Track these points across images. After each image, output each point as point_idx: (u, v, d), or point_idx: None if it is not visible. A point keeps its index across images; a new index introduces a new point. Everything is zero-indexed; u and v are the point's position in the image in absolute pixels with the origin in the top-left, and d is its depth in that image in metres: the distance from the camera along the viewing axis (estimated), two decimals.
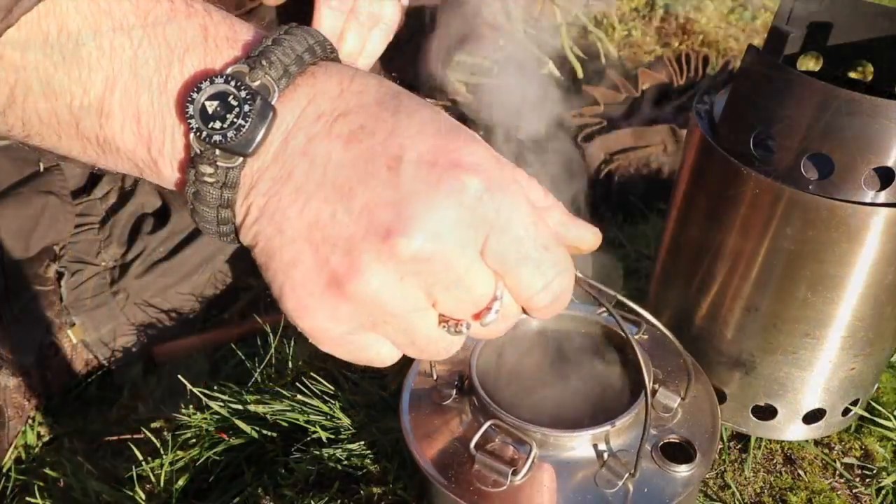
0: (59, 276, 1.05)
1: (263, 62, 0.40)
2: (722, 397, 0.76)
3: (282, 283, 0.41)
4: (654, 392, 0.64)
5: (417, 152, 0.40)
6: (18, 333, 1.01)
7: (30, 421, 0.93)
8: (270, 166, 0.41)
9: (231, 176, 0.41)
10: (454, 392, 0.65)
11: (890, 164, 0.59)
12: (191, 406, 0.85)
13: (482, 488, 0.58)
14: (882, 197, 0.61)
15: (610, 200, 1.32)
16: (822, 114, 0.60)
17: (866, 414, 0.79)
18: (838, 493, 0.75)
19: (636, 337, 0.69)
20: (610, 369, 0.70)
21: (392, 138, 0.40)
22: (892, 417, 0.80)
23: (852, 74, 0.75)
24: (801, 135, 0.61)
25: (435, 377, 0.67)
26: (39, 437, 0.92)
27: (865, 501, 0.75)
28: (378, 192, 0.39)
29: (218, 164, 0.41)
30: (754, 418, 0.76)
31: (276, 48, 0.41)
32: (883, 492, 0.75)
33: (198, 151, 0.41)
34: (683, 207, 0.74)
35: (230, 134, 0.40)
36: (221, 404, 0.84)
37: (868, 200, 0.61)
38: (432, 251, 0.40)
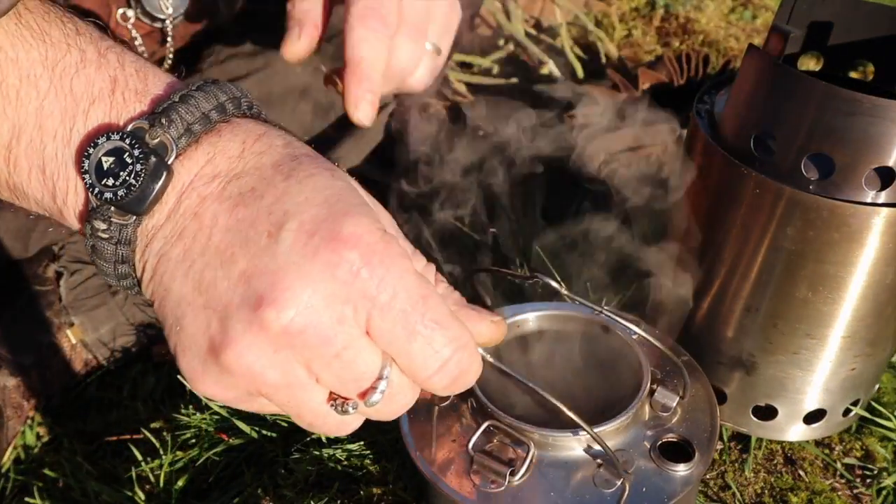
0: (59, 276, 1.05)
1: (164, 120, 0.40)
2: (722, 397, 0.75)
3: (174, 345, 0.41)
4: (652, 392, 0.64)
5: (299, 221, 0.39)
6: (17, 333, 1.01)
7: (29, 421, 0.93)
8: (164, 225, 0.41)
9: (125, 233, 0.41)
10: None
11: (891, 163, 0.59)
12: (190, 406, 0.85)
13: (481, 489, 0.58)
14: (883, 197, 0.61)
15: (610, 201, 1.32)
16: (822, 114, 0.59)
17: (867, 414, 0.79)
18: (839, 493, 0.75)
19: (635, 337, 0.69)
20: (609, 369, 0.69)
21: (278, 204, 0.39)
22: (892, 418, 0.79)
23: (853, 74, 0.75)
24: (801, 134, 0.61)
25: None
26: (39, 437, 0.92)
27: (866, 502, 0.75)
28: (257, 260, 0.39)
29: (112, 220, 0.41)
30: (755, 418, 0.76)
31: (181, 105, 0.41)
32: (884, 492, 0.75)
33: (94, 206, 0.41)
34: (684, 208, 0.73)
35: (121, 192, 0.40)
36: (221, 404, 0.84)
37: (869, 200, 0.61)
38: (304, 325, 0.39)
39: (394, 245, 0.41)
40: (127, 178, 0.39)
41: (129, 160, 0.39)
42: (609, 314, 0.67)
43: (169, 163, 0.40)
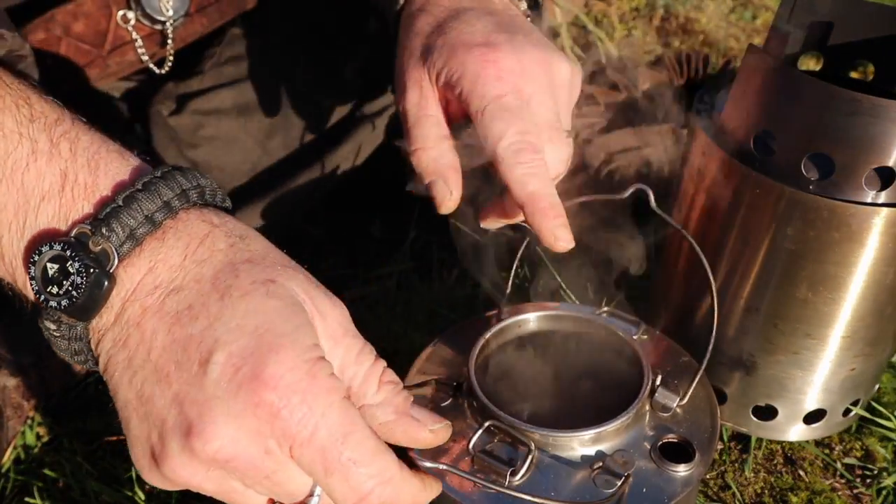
0: None
1: (104, 229, 0.41)
2: (722, 397, 0.75)
3: (126, 434, 0.44)
4: (652, 392, 0.64)
5: (227, 353, 0.40)
6: (17, 333, 1.01)
7: (29, 421, 0.93)
8: (112, 327, 0.42)
9: (75, 331, 0.43)
10: (453, 393, 0.65)
11: (890, 163, 0.59)
12: None
13: (481, 489, 0.58)
14: (883, 197, 0.61)
15: None
16: (822, 114, 0.59)
17: (867, 414, 0.79)
18: (839, 493, 0.75)
19: (635, 337, 0.69)
20: (609, 369, 0.69)
21: (210, 330, 0.40)
22: (892, 418, 0.79)
23: (853, 74, 0.75)
24: (801, 134, 0.61)
25: (434, 379, 0.67)
26: (39, 437, 0.92)
27: (866, 502, 0.75)
28: (187, 387, 0.40)
29: (62, 321, 0.42)
30: (755, 418, 0.76)
31: (124, 210, 0.41)
32: (884, 492, 0.75)
33: (43, 307, 0.42)
34: (684, 208, 0.73)
35: (64, 302, 0.41)
36: None
37: (869, 200, 0.61)
38: (231, 455, 0.40)
39: (319, 381, 0.41)
40: (70, 287, 0.41)
41: (71, 269, 0.40)
42: (609, 314, 0.67)
43: (111, 271, 0.41)
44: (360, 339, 0.47)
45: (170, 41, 0.97)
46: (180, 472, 0.41)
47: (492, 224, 0.68)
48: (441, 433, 0.50)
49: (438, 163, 0.62)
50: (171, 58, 1.01)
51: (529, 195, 0.58)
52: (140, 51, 0.97)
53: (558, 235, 0.58)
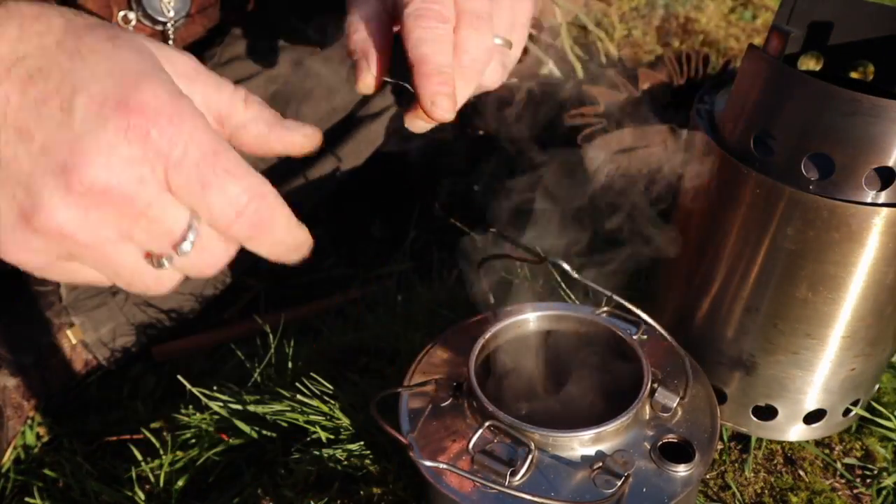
0: None
1: None
2: (722, 397, 0.75)
3: None
4: (652, 392, 0.64)
5: (88, 94, 0.42)
6: (17, 333, 1.01)
7: (29, 421, 0.93)
8: None
9: None
10: (453, 393, 0.65)
11: (890, 163, 0.59)
12: (190, 406, 0.85)
13: (481, 489, 0.58)
14: (883, 197, 0.61)
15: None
16: (822, 114, 0.59)
17: (867, 414, 0.79)
18: (839, 493, 0.75)
19: (635, 337, 0.69)
20: (609, 369, 0.69)
21: (66, 82, 0.42)
22: (892, 418, 0.79)
23: (853, 74, 0.75)
24: (801, 134, 0.61)
25: (434, 379, 0.67)
26: (39, 437, 0.92)
27: (866, 502, 0.75)
28: (53, 133, 0.42)
29: None
30: (755, 418, 0.76)
31: None
32: (884, 492, 0.75)
33: None
34: (684, 207, 0.73)
35: None
36: (221, 404, 0.84)
37: (869, 200, 0.61)
38: (106, 185, 0.42)
39: (184, 104, 0.44)
40: None
41: None
42: (609, 315, 0.67)
43: None
44: (215, 74, 0.49)
45: (171, 42, 0.97)
46: (56, 217, 0.42)
47: (414, 124, 0.66)
48: (314, 136, 0.52)
49: (365, 44, 0.63)
50: None
51: (419, 57, 0.58)
52: None
53: (436, 101, 0.58)
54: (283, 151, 0.50)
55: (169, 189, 0.43)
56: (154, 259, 0.46)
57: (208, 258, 0.47)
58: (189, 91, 0.46)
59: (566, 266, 0.58)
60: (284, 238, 0.47)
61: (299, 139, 0.51)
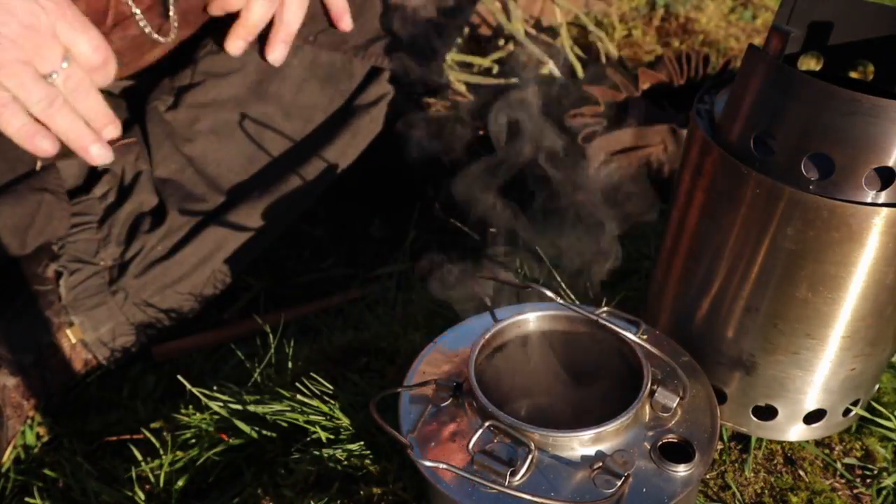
0: (58, 275, 1.05)
1: None
2: (722, 397, 0.75)
3: None
4: (652, 392, 0.64)
5: None
6: (17, 333, 1.01)
7: (29, 421, 0.93)
8: None
9: None
10: (453, 393, 0.65)
11: (891, 163, 0.59)
12: (190, 406, 0.85)
13: (481, 489, 0.58)
14: (883, 197, 0.61)
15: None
16: (822, 114, 0.59)
17: (867, 414, 0.79)
18: (839, 493, 0.75)
19: (635, 337, 0.69)
20: (609, 369, 0.69)
21: None
22: (892, 418, 0.79)
23: (853, 74, 0.75)
24: (801, 134, 0.61)
25: (434, 379, 0.67)
26: (38, 437, 0.92)
27: (866, 502, 0.75)
28: None
29: None
30: (755, 418, 0.76)
31: None
32: (884, 492, 0.75)
33: None
34: (683, 207, 0.73)
35: None
36: (221, 404, 0.84)
37: (869, 200, 0.61)
38: (27, 24, 0.57)
39: None
40: None
41: None
42: (608, 315, 0.67)
43: None
44: None
45: (171, 9, 0.97)
46: None
47: (233, 46, 0.91)
48: None
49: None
50: (176, 27, 1.02)
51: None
52: (141, 23, 0.97)
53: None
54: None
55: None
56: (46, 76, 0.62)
57: (81, 83, 0.64)
58: None
59: (548, 292, 0.59)
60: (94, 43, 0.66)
61: None
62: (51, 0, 0.64)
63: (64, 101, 0.80)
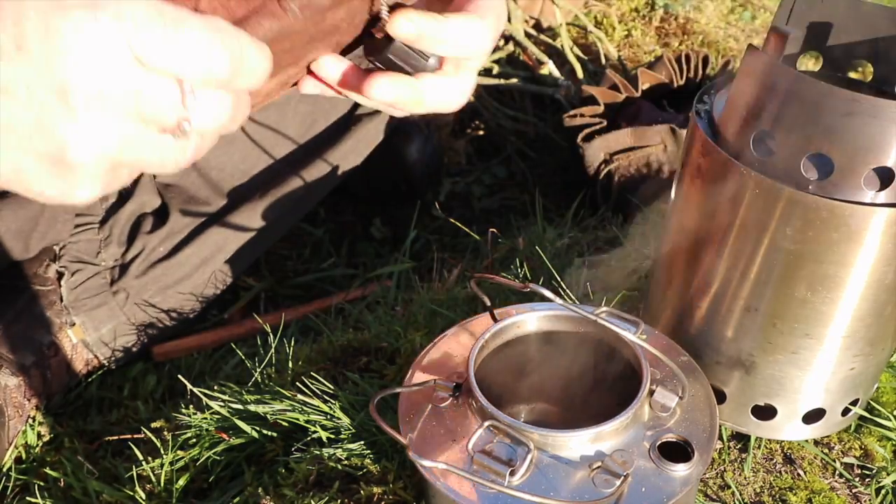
0: (59, 275, 1.05)
1: None
2: (721, 397, 0.76)
3: (19, 190, 0.44)
4: (652, 392, 0.64)
5: (30, 22, 0.41)
6: (18, 333, 1.01)
7: (30, 420, 0.93)
8: None
9: None
10: (453, 393, 0.65)
11: (890, 164, 0.59)
12: (191, 406, 0.85)
13: (481, 489, 0.58)
14: (882, 197, 0.61)
15: (610, 200, 1.32)
16: (821, 114, 0.60)
17: (866, 414, 0.79)
18: (838, 492, 0.75)
19: (634, 337, 0.69)
20: (608, 369, 0.70)
21: (6, 24, 0.41)
22: (891, 417, 0.80)
23: (852, 74, 0.75)
24: (801, 135, 0.61)
25: (434, 379, 0.67)
26: (39, 436, 0.92)
27: (865, 501, 0.75)
28: (26, 71, 0.41)
29: None
30: (754, 418, 0.76)
31: None
32: (882, 491, 0.75)
33: None
34: (683, 207, 0.74)
35: None
36: (221, 404, 0.84)
37: (868, 200, 0.61)
38: (99, 85, 0.42)
39: None
40: None
41: None
42: (608, 315, 0.67)
43: None
44: None
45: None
46: (86, 140, 0.42)
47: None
48: None
49: None
50: None
51: None
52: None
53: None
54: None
55: (142, 64, 0.43)
56: (177, 132, 0.46)
57: (219, 105, 0.46)
58: None
59: (548, 292, 0.58)
60: (257, 55, 0.46)
61: None
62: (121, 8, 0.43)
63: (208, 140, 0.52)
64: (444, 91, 0.54)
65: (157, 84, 0.44)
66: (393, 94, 0.52)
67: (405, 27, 0.49)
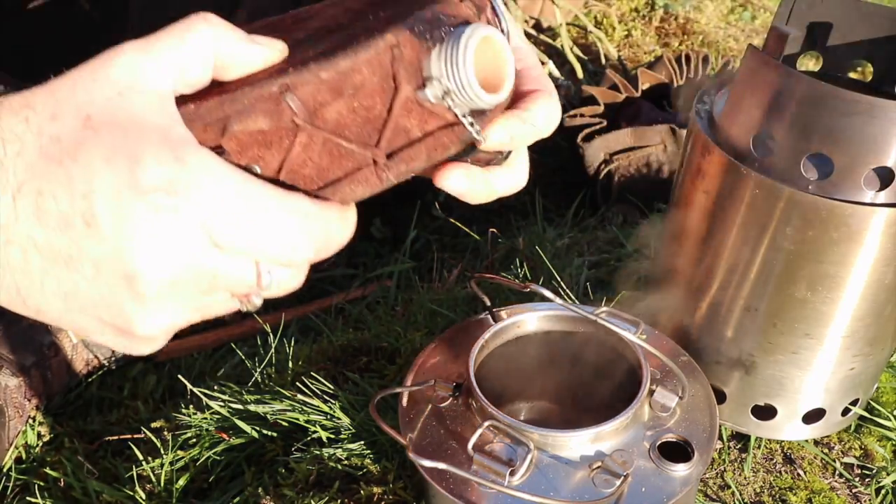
0: None
1: None
2: (722, 397, 0.76)
3: (78, 334, 0.43)
4: (652, 392, 0.64)
5: (100, 196, 0.40)
6: (18, 333, 1.01)
7: (30, 421, 0.93)
8: None
9: None
10: (453, 393, 0.65)
11: (889, 164, 0.59)
12: (191, 406, 0.85)
13: (481, 489, 0.58)
14: (882, 197, 0.61)
15: (610, 200, 1.32)
16: (822, 114, 0.60)
17: (866, 414, 0.79)
18: (838, 492, 0.75)
19: (634, 337, 0.69)
20: (608, 369, 0.70)
21: (73, 195, 0.40)
22: (891, 417, 0.80)
23: (852, 74, 0.75)
24: (800, 135, 0.61)
25: (434, 379, 0.67)
26: (40, 436, 0.92)
27: (865, 501, 0.75)
28: (94, 250, 0.40)
29: None
30: (754, 418, 0.76)
31: None
32: (882, 491, 0.75)
33: None
34: (683, 207, 0.74)
35: None
36: (221, 404, 0.84)
37: (868, 200, 0.61)
38: (171, 275, 0.41)
39: (191, 159, 0.41)
40: None
41: None
42: (608, 315, 0.67)
43: None
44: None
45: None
46: (147, 323, 0.42)
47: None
48: (274, 46, 0.45)
49: None
50: None
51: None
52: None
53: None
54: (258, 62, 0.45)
55: (220, 247, 0.42)
56: (244, 301, 0.45)
57: (291, 281, 0.46)
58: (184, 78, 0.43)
59: (548, 292, 0.58)
60: (341, 231, 0.45)
61: (272, 52, 0.45)
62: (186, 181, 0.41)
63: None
64: (512, 179, 0.53)
65: (234, 265, 0.43)
66: (466, 187, 0.50)
67: (497, 137, 0.48)
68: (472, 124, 0.44)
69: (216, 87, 0.43)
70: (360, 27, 0.43)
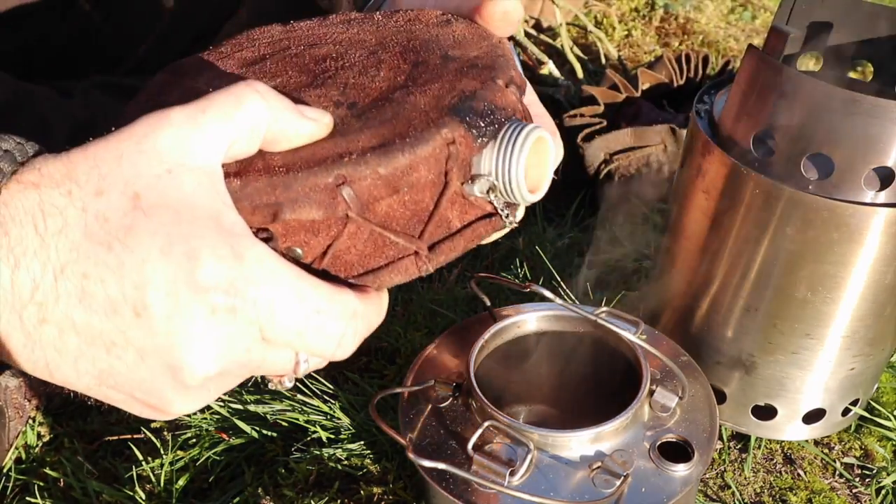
0: None
1: None
2: (722, 397, 0.76)
3: (113, 404, 0.43)
4: (652, 392, 0.64)
5: (155, 291, 0.38)
6: None
7: (30, 421, 0.93)
8: (12, 335, 0.38)
9: None
10: (453, 393, 0.65)
11: (890, 164, 0.59)
12: None
13: (481, 489, 0.58)
14: (882, 197, 0.61)
15: (610, 200, 1.32)
16: (821, 114, 0.60)
17: (866, 414, 0.79)
18: (838, 492, 0.75)
19: (634, 337, 0.69)
20: (608, 369, 0.70)
21: (124, 283, 0.38)
22: (891, 417, 0.80)
23: (852, 74, 0.75)
24: (801, 135, 0.61)
25: (434, 379, 0.67)
26: (40, 437, 0.92)
27: (865, 501, 0.75)
28: (141, 340, 0.39)
29: None
30: (754, 418, 0.76)
31: None
32: (883, 491, 0.75)
33: None
34: (683, 207, 0.74)
35: None
36: (221, 404, 0.84)
37: (868, 200, 0.61)
38: (220, 370, 0.40)
39: (250, 259, 0.40)
40: None
41: None
42: (608, 315, 0.67)
43: None
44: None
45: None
46: (186, 407, 0.42)
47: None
48: (322, 122, 0.44)
49: None
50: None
51: None
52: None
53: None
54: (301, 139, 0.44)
55: (268, 342, 0.42)
56: (276, 382, 0.46)
57: (323, 363, 0.46)
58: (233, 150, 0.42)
59: (548, 293, 0.58)
60: (380, 319, 0.46)
61: (317, 128, 0.44)
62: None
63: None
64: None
65: (278, 356, 0.43)
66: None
67: (521, 216, 0.49)
68: (507, 216, 0.45)
69: (260, 160, 0.42)
70: (403, 99, 0.42)
